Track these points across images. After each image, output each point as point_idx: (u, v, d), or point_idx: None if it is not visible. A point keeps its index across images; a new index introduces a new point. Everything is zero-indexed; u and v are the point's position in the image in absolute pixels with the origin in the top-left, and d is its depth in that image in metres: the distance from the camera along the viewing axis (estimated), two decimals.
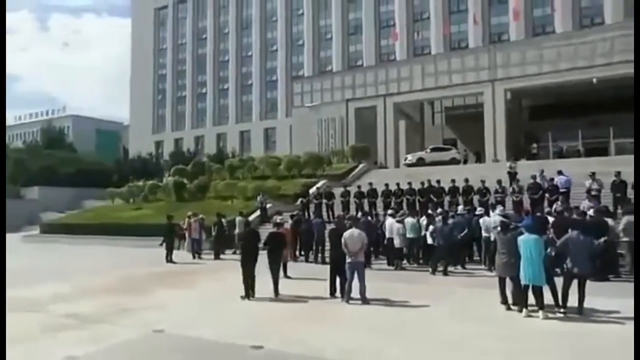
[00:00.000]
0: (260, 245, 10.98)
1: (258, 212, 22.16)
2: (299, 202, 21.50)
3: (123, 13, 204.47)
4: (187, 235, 19.25)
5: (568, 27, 43.12)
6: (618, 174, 16.02)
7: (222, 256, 18.08)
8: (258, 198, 22.48)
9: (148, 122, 72.85)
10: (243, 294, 10.26)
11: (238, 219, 18.83)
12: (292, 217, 17.05)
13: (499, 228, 9.44)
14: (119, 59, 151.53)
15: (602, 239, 10.53)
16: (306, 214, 20.03)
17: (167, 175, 35.19)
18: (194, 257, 18.07)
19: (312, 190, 22.55)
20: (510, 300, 8.84)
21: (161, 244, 17.39)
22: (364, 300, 9.48)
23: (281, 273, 12.70)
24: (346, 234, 9.83)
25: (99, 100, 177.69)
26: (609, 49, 30.62)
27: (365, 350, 6.75)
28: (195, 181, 29.06)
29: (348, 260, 9.69)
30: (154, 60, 73.72)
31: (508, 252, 8.75)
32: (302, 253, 16.51)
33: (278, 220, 13.99)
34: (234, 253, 18.22)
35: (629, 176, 15.74)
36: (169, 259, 16.84)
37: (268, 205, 22.27)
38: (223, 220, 18.76)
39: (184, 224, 19.44)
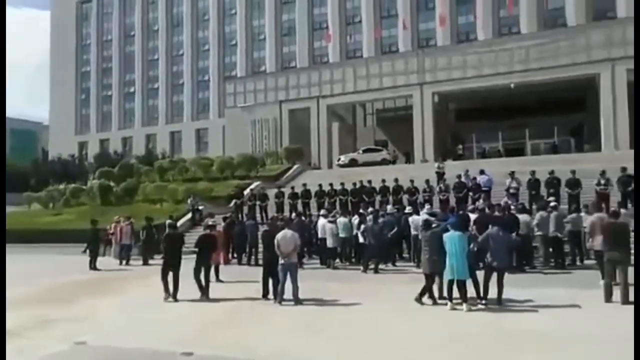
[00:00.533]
0: (184, 248, 10.91)
1: (190, 215, 21.62)
2: (232, 203, 21.19)
3: (43, 5, 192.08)
4: (114, 240, 18.41)
5: (489, 34, 45.72)
6: (533, 173, 17.16)
7: (150, 261, 17.41)
8: (189, 201, 21.92)
9: (70, 122, 68.89)
10: (171, 298, 10.11)
11: (168, 222, 18.30)
12: (224, 219, 16.77)
13: (421, 227, 9.84)
14: (38, 55, 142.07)
15: (513, 234, 11.30)
16: (240, 215, 19.78)
17: (91, 178, 33.43)
18: (120, 263, 17.30)
19: (246, 191, 22.31)
20: (436, 295, 9.23)
21: (85, 251, 16.49)
22: (297, 301, 9.51)
23: (213, 276, 12.55)
24: (279, 235, 9.81)
25: (16, 99, 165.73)
26: (525, 57, 32.76)
27: (299, 350, 6.78)
28: (122, 184, 27.80)
29: (281, 261, 9.68)
30: (76, 56, 69.87)
31: (431, 249, 9.12)
32: (235, 256, 16.29)
33: (210, 223, 13.77)
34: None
35: (542, 175, 16.92)
36: (93, 266, 16.01)
37: (200, 208, 21.77)
38: (151, 224, 18.07)
39: (111, 229, 18.57)
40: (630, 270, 8.69)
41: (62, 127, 68.45)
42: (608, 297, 8.64)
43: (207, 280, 10.74)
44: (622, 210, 11.51)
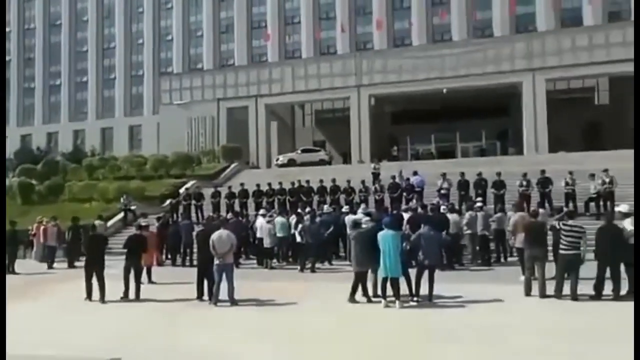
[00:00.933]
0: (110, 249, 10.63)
1: (122, 215, 20.78)
2: (167, 203, 20.61)
3: None
4: (35, 242, 17.34)
5: (423, 40, 47.39)
6: (462, 174, 18.03)
7: (77, 264, 16.55)
8: (121, 200, 21.06)
9: None
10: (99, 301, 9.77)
11: (97, 222, 17.55)
12: (158, 219, 16.27)
13: (350, 226, 10.12)
14: None
15: (444, 233, 11.86)
16: (174, 215, 19.27)
17: (11, 175, 31.19)
18: (49, 267, 16.26)
19: (181, 191, 21.75)
20: (370, 292, 9.47)
21: None
22: (233, 302, 9.43)
23: (145, 278, 12.17)
24: (214, 235, 9.67)
25: None
26: (456, 64, 34.28)
27: (234, 351, 6.75)
28: (46, 182, 26.19)
29: (216, 262, 9.55)
30: None
31: (359, 248, 9.40)
32: (169, 257, 15.86)
33: (142, 223, 13.33)
34: None
35: (471, 176, 17.82)
36: (11, 270, 14.99)
37: (132, 208, 20.97)
38: (78, 224, 17.08)
39: (33, 230, 17.48)
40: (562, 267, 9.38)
41: None
42: (528, 291, 9.27)
43: (138, 282, 10.44)
44: (541, 210, 12.35)
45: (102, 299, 10.08)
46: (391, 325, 7.81)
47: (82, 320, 8.81)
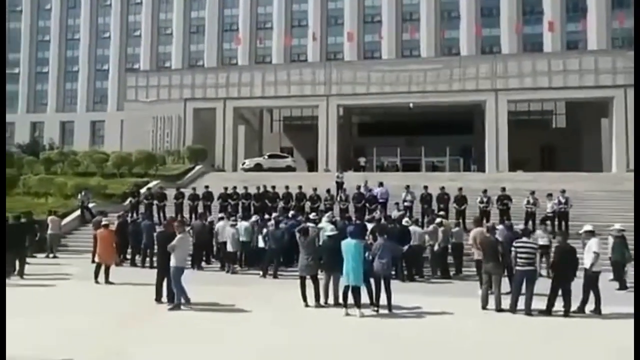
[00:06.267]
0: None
1: (79, 212, 20.13)
2: (127, 202, 20.14)
3: None
4: None
5: (392, 54, 48.37)
6: (426, 188, 18.46)
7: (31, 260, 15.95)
8: (79, 196, 20.39)
9: None
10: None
11: (50, 218, 17.02)
12: (118, 217, 15.89)
13: (298, 234, 10.30)
14: None
15: (406, 246, 12.13)
16: (135, 214, 18.82)
17: None
18: None
19: (143, 190, 21.29)
20: (309, 299, 9.63)
21: None
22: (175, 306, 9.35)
23: (102, 278, 11.91)
24: (177, 238, 9.56)
25: None
26: (423, 79, 35.08)
27: (188, 356, 6.72)
28: None
29: (174, 264, 9.43)
30: None
31: (308, 254, 9.75)
32: (127, 257, 15.49)
33: (103, 222, 13.04)
34: (47, 257, 16.35)
35: (434, 190, 18.26)
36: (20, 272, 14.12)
37: (91, 205, 20.36)
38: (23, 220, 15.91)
39: None
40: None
41: None
42: (484, 305, 9.58)
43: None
44: (499, 227, 12.80)
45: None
46: (349, 331, 7.94)
47: (30, 324, 8.52)
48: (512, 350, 7.21)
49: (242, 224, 14.62)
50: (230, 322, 8.60)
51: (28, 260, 13.67)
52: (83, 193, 20.30)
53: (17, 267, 12.86)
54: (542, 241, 12.84)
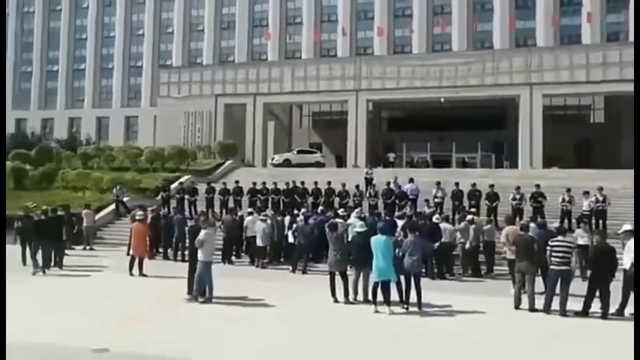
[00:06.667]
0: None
1: (113, 206, 20.67)
2: (159, 196, 20.56)
3: None
4: None
5: (423, 49, 47.66)
6: (457, 184, 18.16)
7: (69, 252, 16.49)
8: (114, 191, 20.93)
9: None
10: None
11: (84, 211, 17.47)
12: (152, 212, 16.23)
13: (327, 229, 10.24)
14: None
15: (437, 243, 11.97)
16: (166, 209, 19.20)
17: None
18: None
19: (175, 185, 21.69)
20: (338, 294, 9.62)
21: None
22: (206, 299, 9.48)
23: (136, 270, 12.22)
24: (202, 232, 9.71)
25: None
26: (454, 74, 34.47)
27: (207, 348, 6.89)
28: (40, 168, 26.00)
29: (202, 258, 9.57)
30: None
31: (337, 250, 9.71)
32: (160, 250, 15.81)
33: (138, 216, 13.35)
34: (84, 249, 16.88)
35: (465, 186, 17.96)
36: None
37: (125, 199, 20.87)
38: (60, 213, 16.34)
39: None
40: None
41: None
42: (517, 304, 9.38)
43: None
44: (532, 225, 12.47)
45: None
46: (380, 329, 7.90)
47: (66, 310, 8.80)
48: (544, 351, 7.03)
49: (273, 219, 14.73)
50: (257, 317, 8.69)
51: (66, 252, 14.18)
52: (118, 187, 20.81)
53: (55, 259, 13.30)
54: (582, 241, 12.33)
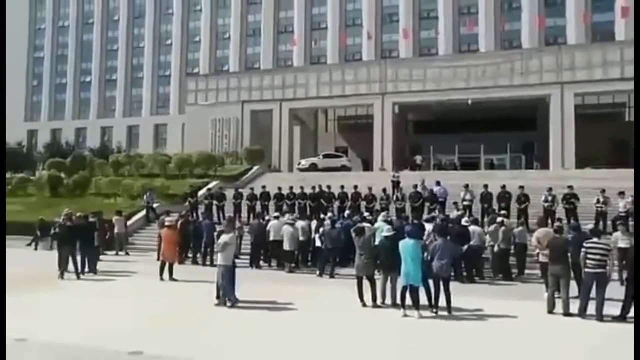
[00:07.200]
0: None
1: (144, 212, 21.09)
2: (187, 202, 20.87)
3: None
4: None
5: (449, 51, 47.14)
6: (486, 186, 17.83)
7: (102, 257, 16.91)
8: (145, 197, 21.38)
9: (20, 108, 65.71)
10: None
11: (115, 218, 17.83)
12: (180, 217, 16.49)
13: (354, 233, 10.16)
14: None
15: (465, 247, 11.76)
16: (194, 215, 19.48)
17: (41, 168, 32.01)
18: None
19: (203, 191, 21.99)
20: (365, 298, 9.55)
21: (30, 244, 15.71)
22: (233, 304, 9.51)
23: (166, 275, 12.40)
24: (223, 237, 9.79)
25: None
26: (482, 75, 33.93)
27: (236, 352, 6.92)
28: (74, 176, 26.80)
29: (222, 262, 9.63)
30: (29, 41, 66.84)
31: (364, 254, 9.65)
32: (189, 255, 16.02)
33: (167, 223, 13.57)
34: (116, 254, 17.26)
35: (495, 189, 17.62)
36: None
37: (155, 206, 21.28)
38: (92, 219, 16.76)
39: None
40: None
41: (10, 113, 65.13)
42: (551, 309, 9.11)
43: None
44: (565, 227, 12.13)
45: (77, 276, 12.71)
46: (408, 334, 7.79)
47: (97, 312, 9.00)
48: (578, 357, 6.79)
49: (300, 224, 14.77)
50: (284, 321, 8.69)
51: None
52: (148, 194, 21.25)
53: (90, 265, 13.60)
54: (623, 244, 11.84)
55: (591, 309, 8.68)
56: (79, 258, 13.28)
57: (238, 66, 55.78)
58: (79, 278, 12.81)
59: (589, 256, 8.79)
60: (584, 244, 9.08)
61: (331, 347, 7.16)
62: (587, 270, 8.84)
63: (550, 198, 16.62)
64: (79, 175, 26.98)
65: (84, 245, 13.49)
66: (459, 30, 48.79)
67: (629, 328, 8.24)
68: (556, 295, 9.17)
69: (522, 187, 17.28)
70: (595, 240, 9.10)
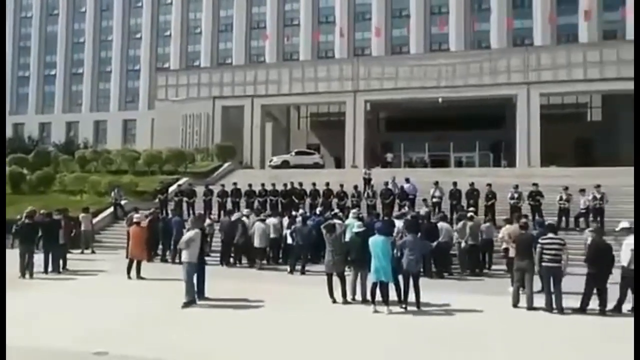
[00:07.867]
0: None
1: (112, 209, 20.64)
2: (157, 199, 20.53)
3: None
4: None
5: (420, 49, 47.71)
6: (455, 184, 18.16)
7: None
8: (112, 194, 20.91)
9: None
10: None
11: (81, 215, 17.35)
12: (149, 214, 16.19)
13: (324, 230, 10.20)
14: None
15: (434, 243, 11.96)
16: (164, 211, 19.18)
17: None
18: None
19: (173, 187, 21.67)
20: (335, 294, 9.62)
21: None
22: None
23: (134, 273, 12.18)
24: (186, 234, 9.67)
25: None
26: (452, 74, 34.52)
27: (205, 350, 6.83)
28: (37, 172, 25.97)
29: (185, 259, 9.50)
30: None
31: (333, 251, 9.71)
32: (158, 252, 15.76)
33: (135, 219, 13.32)
34: (82, 252, 16.82)
35: (463, 186, 17.96)
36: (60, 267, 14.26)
37: (123, 202, 20.84)
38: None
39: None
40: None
41: None
42: (515, 303, 9.36)
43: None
44: (529, 223, 12.45)
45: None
46: (379, 329, 7.88)
47: (61, 312, 8.77)
48: (542, 349, 7.01)
49: (271, 220, 14.73)
50: (254, 318, 8.66)
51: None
52: (115, 190, 20.80)
53: (52, 263, 13.22)
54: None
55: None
56: (42, 256, 12.92)
57: (209, 61, 55.08)
58: (46, 273, 12.50)
59: (545, 251, 9.08)
60: (540, 240, 9.37)
61: (300, 344, 7.18)
62: (542, 264, 9.11)
63: (516, 195, 17.05)
64: (42, 171, 26.16)
65: (48, 243, 13.11)
66: (430, 30, 49.44)
67: (588, 319, 8.57)
68: (521, 292, 9.43)
69: (489, 185, 17.66)
70: (550, 235, 9.39)
